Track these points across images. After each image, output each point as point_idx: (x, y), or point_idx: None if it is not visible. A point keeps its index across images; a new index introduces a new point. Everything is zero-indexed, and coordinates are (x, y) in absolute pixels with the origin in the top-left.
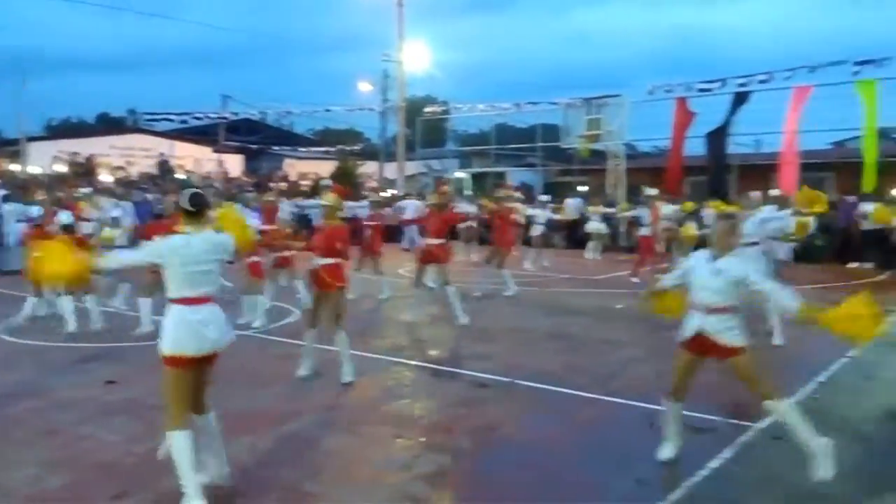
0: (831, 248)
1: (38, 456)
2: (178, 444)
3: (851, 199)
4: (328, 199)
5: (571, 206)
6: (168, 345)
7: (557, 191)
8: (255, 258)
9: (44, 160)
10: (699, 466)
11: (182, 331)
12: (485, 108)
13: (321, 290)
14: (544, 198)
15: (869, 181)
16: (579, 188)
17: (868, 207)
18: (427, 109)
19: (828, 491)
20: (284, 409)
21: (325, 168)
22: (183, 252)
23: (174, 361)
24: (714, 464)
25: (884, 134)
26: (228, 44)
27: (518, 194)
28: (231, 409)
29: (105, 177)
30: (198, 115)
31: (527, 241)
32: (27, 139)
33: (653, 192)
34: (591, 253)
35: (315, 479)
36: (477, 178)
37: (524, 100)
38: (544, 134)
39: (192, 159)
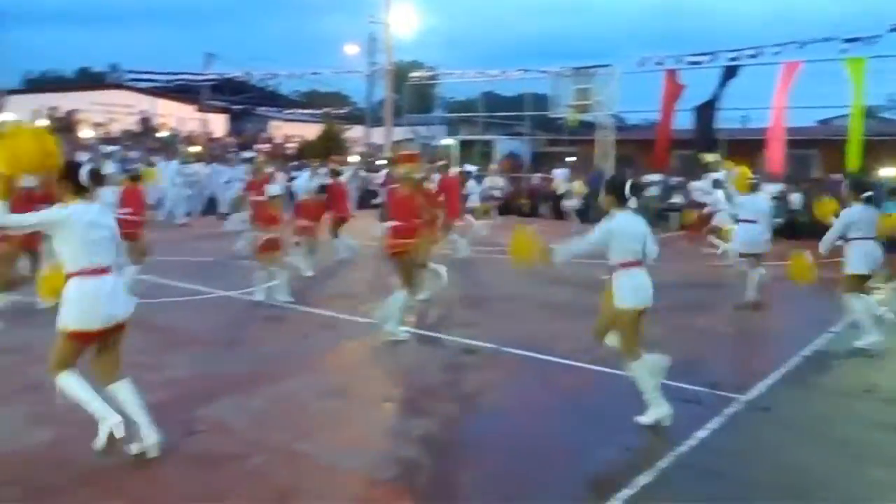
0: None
1: (20, 411)
2: (68, 382)
3: (837, 176)
4: (404, 168)
5: (559, 177)
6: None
7: (545, 161)
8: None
9: (23, 114)
10: (686, 436)
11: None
12: (474, 74)
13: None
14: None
15: (853, 160)
16: (567, 159)
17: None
18: (414, 74)
19: (813, 460)
20: (273, 371)
21: (311, 131)
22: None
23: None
24: (701, 434)
25: (869, 113)
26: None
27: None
28: (220, 371)
29: (86, 133)
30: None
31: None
32: (6, 92)
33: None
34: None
35: (305, 440)
36: (465, 145)
37: (513, 67)
38: (533, 103)
39: (175, 118)
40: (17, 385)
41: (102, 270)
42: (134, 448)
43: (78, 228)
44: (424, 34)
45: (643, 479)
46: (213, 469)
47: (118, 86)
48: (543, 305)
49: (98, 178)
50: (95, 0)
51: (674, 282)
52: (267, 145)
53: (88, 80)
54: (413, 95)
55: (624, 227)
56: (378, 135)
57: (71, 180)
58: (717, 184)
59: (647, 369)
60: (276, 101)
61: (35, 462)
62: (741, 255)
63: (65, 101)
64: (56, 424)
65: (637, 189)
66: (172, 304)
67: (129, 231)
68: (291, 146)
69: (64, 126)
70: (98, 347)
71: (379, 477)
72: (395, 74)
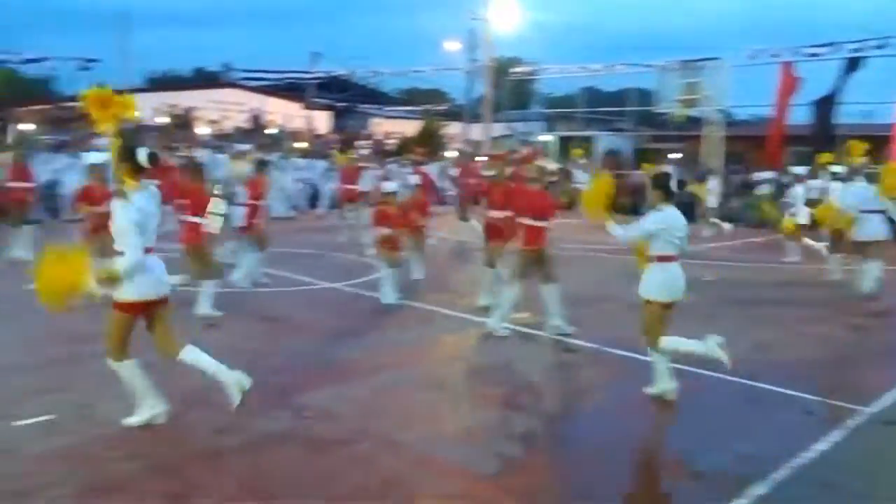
0: None
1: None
2: (128, 371)
3: None
4: (533, 166)
5: None
6: None
7: (648, 157)
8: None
9: (145, 111)
10: (805, 447)
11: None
12: (575, 69)
13: (530, 248)
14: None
15: None
16: (671, 155)
17: None
18: (514, 70)
19: None
20: (375, 361)
21: (410, 128)
22: None
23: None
24: (821, 446)
25: None
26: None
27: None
28: (326, 359)
29: (201, 129)
30: (291, 75)
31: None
32: (131, 91)
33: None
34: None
35: (405, 431)
36: (564, 141)
37: (616, 62)
38: (636, 98)
39: (282, 115)
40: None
41: (149, 250)
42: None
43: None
44: (524, 29)
45: (757, 490)
46: (321, 454)
47: (231, 84)
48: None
49: (155, 161)
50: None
51: (780, 282)
52: (367, 141)
53: (204, 80)
54: (512, 91)
55: (671, 221)
56: (476, 131)
57: (131, 163)
58: (835, 176)
59: (666, 357)
60: (378, 98)
61: (154, 439)
62: (857, 244)
63: (182, 99)
64: (175, 403)
65: (681, 185)
66: (282, 294)
67: (251, 222)
68: (391, 142)
69: (182, 122)
70: (149, 323)
71: (481, 472)
72: (495, 70)
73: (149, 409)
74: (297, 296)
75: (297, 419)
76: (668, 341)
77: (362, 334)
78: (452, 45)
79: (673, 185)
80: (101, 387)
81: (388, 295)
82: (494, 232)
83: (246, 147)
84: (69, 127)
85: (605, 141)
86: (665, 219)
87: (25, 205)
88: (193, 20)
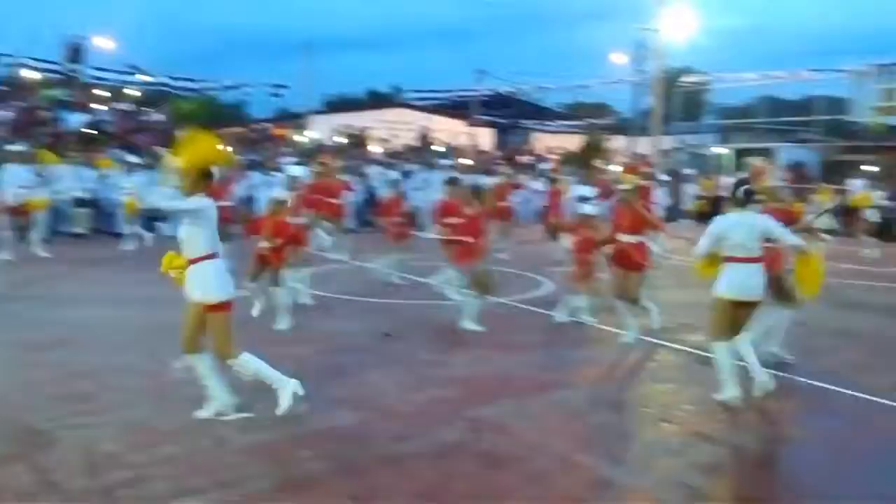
0: None
1: (328, 394)
2: (249, 364)
3: None
4: (628, 179)
5: (857, 189)
6: None
7: (838, 170)
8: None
9: (323, 132)
10: None
11: None
12: (754, 77)
13: (626, 268)
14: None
15: None
16: (866, 168)
17: None
18: (685, 80)
19: None
20: (550, 378)
21: (573, 142)
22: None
23: None
24: None
25: None
26: (485, 18)
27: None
28: (499, 374)
29: (374, 148)
30: (456, 92)
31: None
32: (310, 113)
33: None
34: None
35: (584, 452)
36: (740, 154)
37: (800, 67)
38: (822, 106)
39: (448, 132)
40: (321, 369)
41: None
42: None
43: (211, 218)
44: (697, 37)
45: None
46: (496, 468)
47: (400, 104)
48: (838, 333)
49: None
50: (380, 27)
51: None
52: (528, 157)
53: (376, 101)
54: (682, 102)
55: (731, 225)
56: (643, 144)
57: (205, 177)
58: None
59: (727, 353)
60: (541, 114)
61: (342, 440)
62: None
63: (356, 120)
64: (359, 408)
65: (749, 193)
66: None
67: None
68: (554, 157)
69: (356, 142)
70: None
71: (663, 500)
72: (664, 81)
73: (218, 404)
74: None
75: (472, 432)
76: (738, 343)
77: (535, 350)
78: (619, 58)
79: (740, 192)
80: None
81: (567, 313)
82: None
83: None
84: (260, 147)
85: (787, 153)
86: (721, 223)
87: (226, 221)
88: (367, 44)
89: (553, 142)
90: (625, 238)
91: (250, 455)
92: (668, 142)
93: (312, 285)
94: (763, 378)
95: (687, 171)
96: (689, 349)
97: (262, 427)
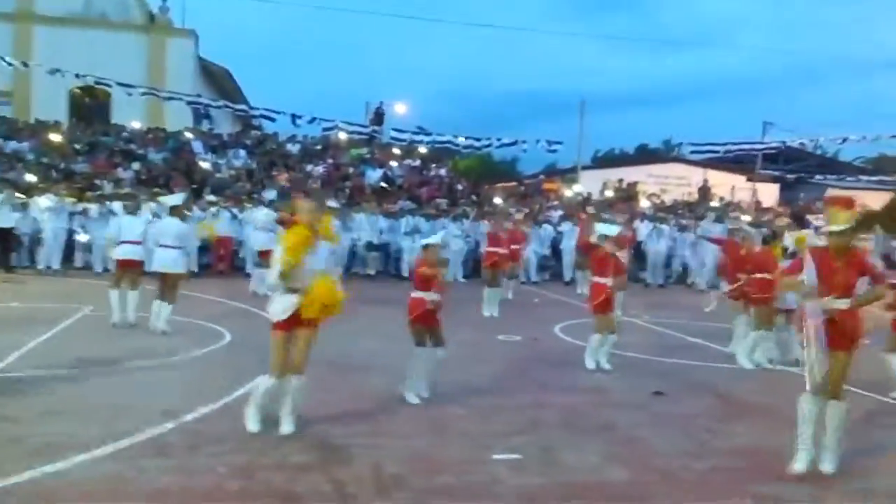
0: None
1: (597, 448)
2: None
3: None
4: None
5: None
6: None
7: None
8: None
9: (592, 186)
10: None
11: None
12: None
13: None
14: None
15: None
16: None
17: None
18: None
19: None
20: (854, 461)
21: (877, 199)
22: None
23: None
24: None
25: None
26: (773, 67)
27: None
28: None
29: (643, 202)
30: (738, 146)
31: None
32: (581, 167)
33: None
34: None
35: None
36: None
37: None
38: None
39: (727, 187)
40: (592, 424)
41: None
42: None
43: None
44: None
45: None
46: None
47: (673, 159)
48: None
49: None
50: (654, 86)
51: None
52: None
53: (646, 155)
54: None
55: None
56: None
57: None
58: None
59: None
60: (836, 167)
61: (613, 499)
62: None
63: (626, 174)
64: (631, 466)
65: None
66: (726, 371)
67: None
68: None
69: (626, 195)
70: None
71: None
72: None
73: None
74: (740, 373)
75: None
76: None
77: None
78: None
79: None
80: (564, 433)
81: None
82: None
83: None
84: (530, 200)
85: None
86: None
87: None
88: (640, 101)
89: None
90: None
91: (521, 500)
92: None
93: None
94: None
95: None
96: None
97: (531, 472)
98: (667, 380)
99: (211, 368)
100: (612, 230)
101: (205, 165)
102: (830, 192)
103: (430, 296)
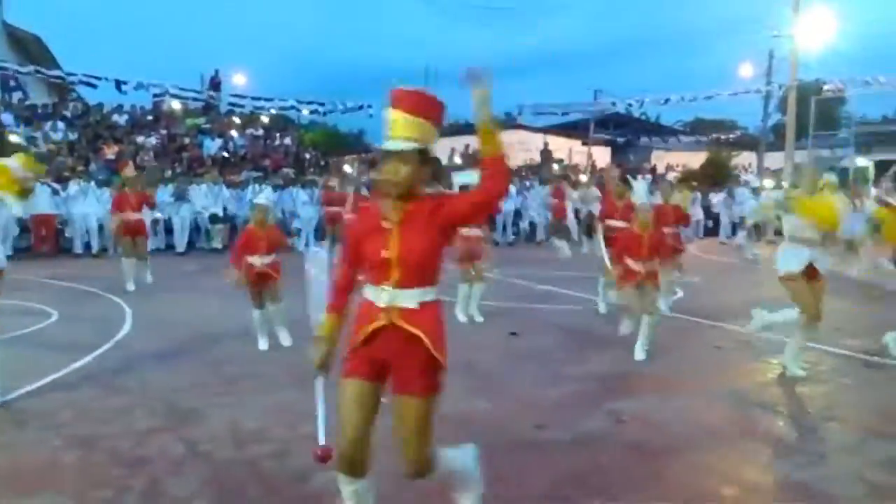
0: None
1: (463, 384)
2: None
3: None
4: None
5: None
6: None
7: None
8: None
9: (441, 153)
10: None
11: None
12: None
13: None
14: None
15: None
16: None
17: None
18: (826, 87)
19: None
20: (686, 378)
21: (695, 159)
22: None
23: None
24: None
25: None
26: (604, 41)
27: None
28: (636, 371)
29: None
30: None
31: None
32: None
33: None
34: None
35: (751, 440)
36: (879, 166)
37: None
38: None
39: (565, 151)
40: (453, 364)
41: None
42: None
43: None
44: (832, 44)
45: None
46: (648, 458)
47: (515, 126)
48: None
49: None
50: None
51: None
52: (648, 175)
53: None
54: (816, 114)
55: None
56: (772, 160)
57: None
58: None
59: None
60: (660, 131)
61: (476, 424)
62: None
63: (472, 141)
64: (491, 398)
65: None
66: (574, 311)
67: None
68: (674, 175)
69: (473, 161)
70: None
71: (847, 497)
72: (797, 92)
73: None
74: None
75: (617, 422)
76: None
77: (670, 351)
78: (746, 70)
79: None
80: None
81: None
82: None
83: None
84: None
85: None
86: None
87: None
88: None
89: (674, 159)
90: None
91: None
92: (799, 156)
93: None
94: None
95: None
96: (848, 353)
97: None
98: (521, 324)
99: (36, 347)
100: (473, 178)
101: (16, 140)
102: (656, 154)
103: (256, 259)
